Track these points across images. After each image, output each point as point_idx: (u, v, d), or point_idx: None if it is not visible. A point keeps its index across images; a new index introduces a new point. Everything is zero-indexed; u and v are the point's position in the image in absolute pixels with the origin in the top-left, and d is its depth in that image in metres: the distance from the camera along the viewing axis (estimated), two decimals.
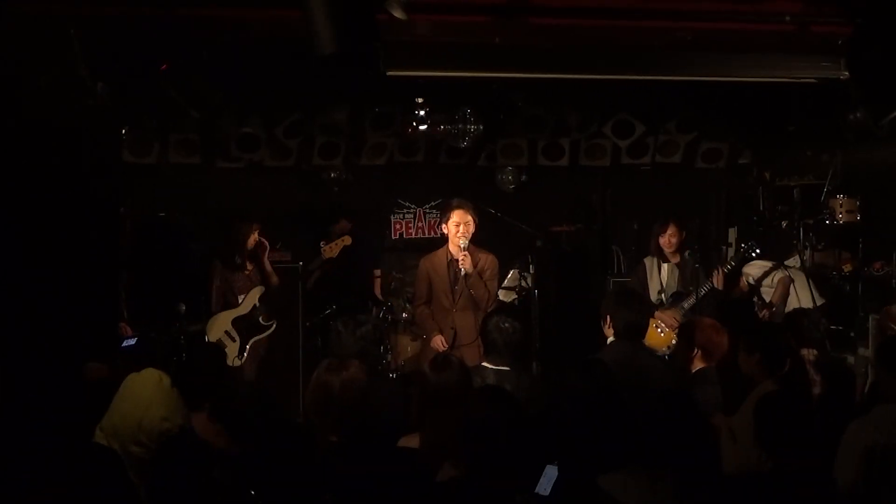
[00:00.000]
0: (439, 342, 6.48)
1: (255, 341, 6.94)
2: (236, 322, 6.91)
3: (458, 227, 6.49)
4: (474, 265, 6.51)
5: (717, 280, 7.06)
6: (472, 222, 6.52)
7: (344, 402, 3.75)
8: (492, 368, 4.78)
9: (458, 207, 6.56)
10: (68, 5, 4.92)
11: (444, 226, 6.64)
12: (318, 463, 3.54)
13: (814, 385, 5.16)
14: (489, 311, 5.89)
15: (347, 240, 7.28)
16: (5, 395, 4.84)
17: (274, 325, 7.00)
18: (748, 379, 4.84)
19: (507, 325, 4.85)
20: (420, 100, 7.46)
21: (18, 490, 2.73)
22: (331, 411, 3.75)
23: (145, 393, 4.18)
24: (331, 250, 7.22)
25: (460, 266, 6.47)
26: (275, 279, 7.08)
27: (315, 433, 3.71)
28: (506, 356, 4.80)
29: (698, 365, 5.09)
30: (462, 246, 6.44)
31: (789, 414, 3.65)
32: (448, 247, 6.64)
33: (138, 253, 7.35)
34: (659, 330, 7.28)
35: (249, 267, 7.11)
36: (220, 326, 6.88)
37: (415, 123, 7.58)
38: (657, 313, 7.35)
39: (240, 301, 7.02)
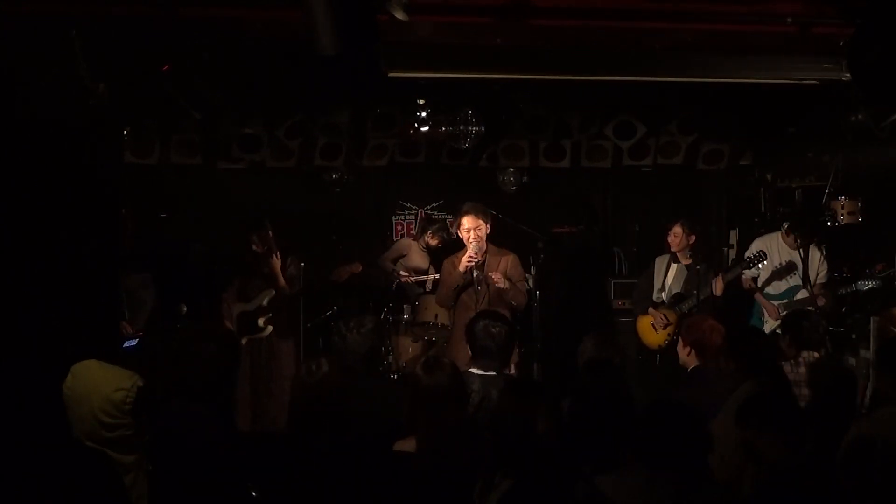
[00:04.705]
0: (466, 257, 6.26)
1: (247, 340, 6.84)
2: (240, 317, 6.85)
3: (468, 232, 6.35)
4: (496, 269, 6.35)
5: (717, 287, 7.04)
6: (482, 226, 6.35)
7: (319, 401, 3.70)
8: (478, 374, 4.58)
9: (467, 213, 6.40)
10: (68, 5, 4.93)
11: (458, 231, 6.54)
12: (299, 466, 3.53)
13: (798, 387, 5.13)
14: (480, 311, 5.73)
15: (357, 267, 7.21)
16: (4, 396, 4.83)
17: (268, 330, 6.88)
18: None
19: (496, 329, 4.65)
20: (421, 101, 7.46)
21: (14, 491, 2.72)
22: (305, 411, 3.70)
23: (87, 384, 4.27)
24: (338, 276, 7.17)
25: (474, 272, 6.29)
26: (281, 283, 6.93)
27: (297, 434, 3.68)
28: (495, 360, 4.64)
29: (694, 363, 5.06)
30: (473, 251, 6.28)
31: (778, 413, 3.64)
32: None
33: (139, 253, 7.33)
34: (654, 327, 7.30)
35: (258, 271, 7.01)
36: (227, 316, 6.83)
37: (416, 124, 7.58)
38: (651, 310, 7.37)
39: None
